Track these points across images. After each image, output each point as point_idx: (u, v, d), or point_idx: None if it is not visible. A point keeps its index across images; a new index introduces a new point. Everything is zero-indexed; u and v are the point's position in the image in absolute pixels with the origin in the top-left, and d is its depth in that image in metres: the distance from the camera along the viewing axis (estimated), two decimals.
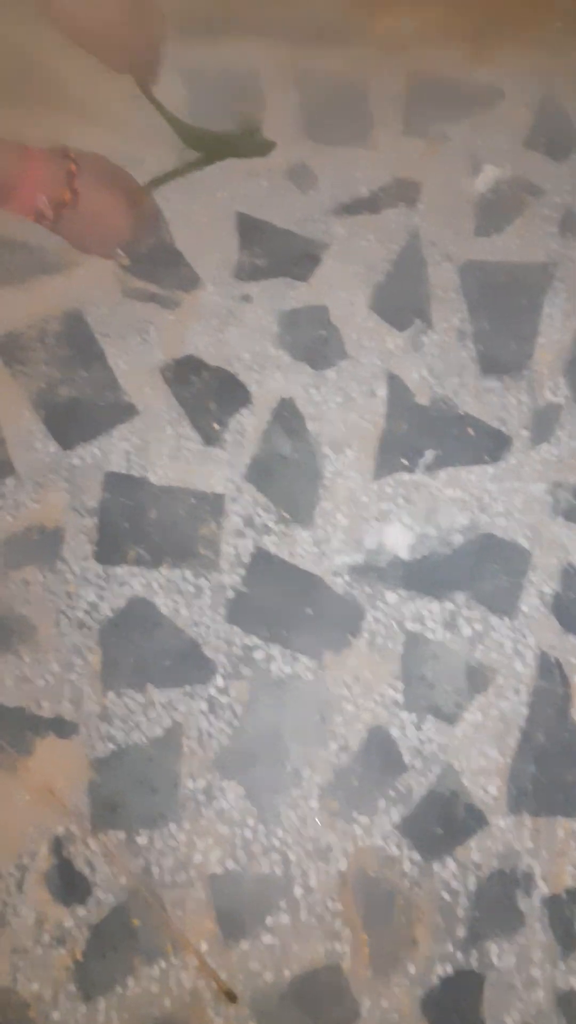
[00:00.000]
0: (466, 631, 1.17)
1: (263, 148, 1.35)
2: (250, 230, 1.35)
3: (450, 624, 1.17)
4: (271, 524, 1.20)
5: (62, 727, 1.13)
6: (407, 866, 1.09)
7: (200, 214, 1.36)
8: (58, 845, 1.09)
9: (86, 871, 1.08)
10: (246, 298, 1.31)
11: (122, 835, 1.09)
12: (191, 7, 1.37)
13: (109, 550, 1.19)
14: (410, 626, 1.17)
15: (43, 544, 1.20)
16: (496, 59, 1.47)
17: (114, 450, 1.24)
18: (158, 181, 1.32)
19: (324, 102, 1.43)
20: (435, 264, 1.33)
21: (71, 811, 1.10)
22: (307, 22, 1.47)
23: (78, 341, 1.30)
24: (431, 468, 1.23)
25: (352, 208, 1.36)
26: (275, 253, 1.34)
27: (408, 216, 1.36)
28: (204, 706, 1.14)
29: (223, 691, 1.14)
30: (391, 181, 1.38)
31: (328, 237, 1.34)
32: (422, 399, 1.26)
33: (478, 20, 1.49)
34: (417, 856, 1.10)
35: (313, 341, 1.29)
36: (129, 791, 1.11)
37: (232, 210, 1.36)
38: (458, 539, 1.20)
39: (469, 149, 1.40)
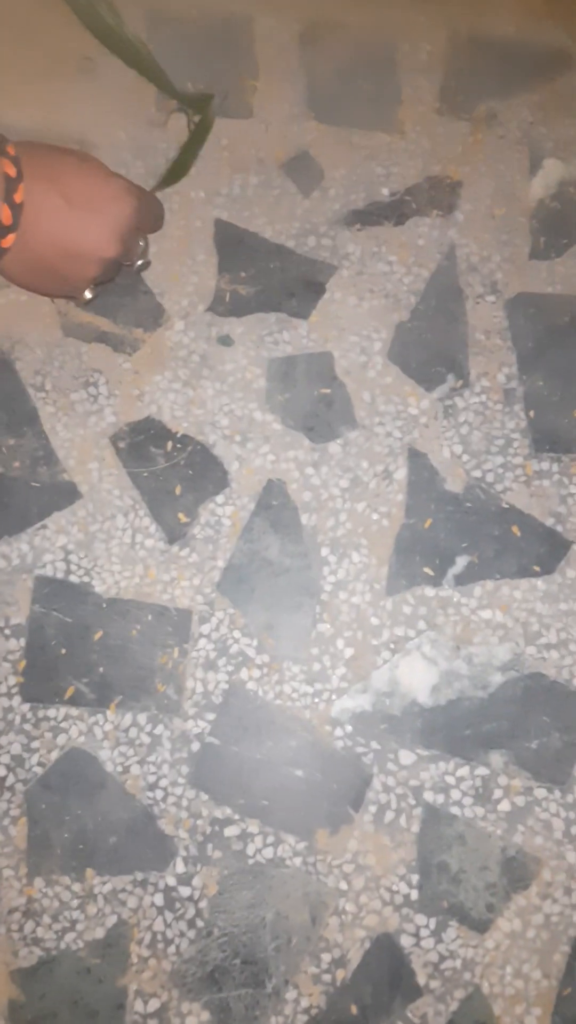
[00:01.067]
0: (504, 806, 0.91)
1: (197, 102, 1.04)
2: (233, 245, 1.05)
3: (483, 796, 0.92)
4: (251, 653, 0.94)
5: None
6: None
7: (169, 222, 1.05)
8: None
9: None
10: (225, 340, 1.02)
11: None
12: None
13: (40, 684, 0.94)
14: (430, 797, 0.92)
15: None
16: (568, 11, 1.14)
17: (48, 547, 0.97)
18: (174, 173, 1.00)
19: (336, 69, 1.10)
20: (476, 298, 1.03)
21: None
22: None
23: (4, 395, 1.01)
24: (463, 581, 0.96)
25: (369, 216, 1.06)
26: (265, 278, 1.04)
27: (442, 230, 1.05)
28: (159, 900, 0.89)
29: (184, 880, 0.90)
30: (422, 180, 1.07)
31: (336, 257, 1.04)
32: (454, 485, 0.98)
33: None
34: None
35: (312, 402, 1.01)
36: (60, 1014, 0.87)
37: (210, 216, 1.06)
38: (496, 679, 0.94)
39: (526, 137, 1.08)
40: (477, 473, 1.00)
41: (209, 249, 1.06)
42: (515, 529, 0.98)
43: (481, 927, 0.90)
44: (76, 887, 0.90)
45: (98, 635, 0.95)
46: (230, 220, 1.07)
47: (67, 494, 0.99)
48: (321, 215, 1.07)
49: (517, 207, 1.07)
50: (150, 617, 0.96)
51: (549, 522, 0.98)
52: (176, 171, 1.03)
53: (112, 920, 0.90)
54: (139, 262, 0.69)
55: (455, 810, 0.92)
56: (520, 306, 1.04)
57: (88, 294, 0.67)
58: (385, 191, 1.07)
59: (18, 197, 0.54)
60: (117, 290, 1.04)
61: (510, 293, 1.05)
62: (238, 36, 1.12)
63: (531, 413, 1.01)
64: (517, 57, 1.13)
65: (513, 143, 1.09)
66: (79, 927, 0.89)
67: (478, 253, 1.06)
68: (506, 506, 0.99)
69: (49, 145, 0.59)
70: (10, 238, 0.55)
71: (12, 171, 0.54)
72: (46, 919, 0.90)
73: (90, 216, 0.59)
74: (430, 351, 1.03)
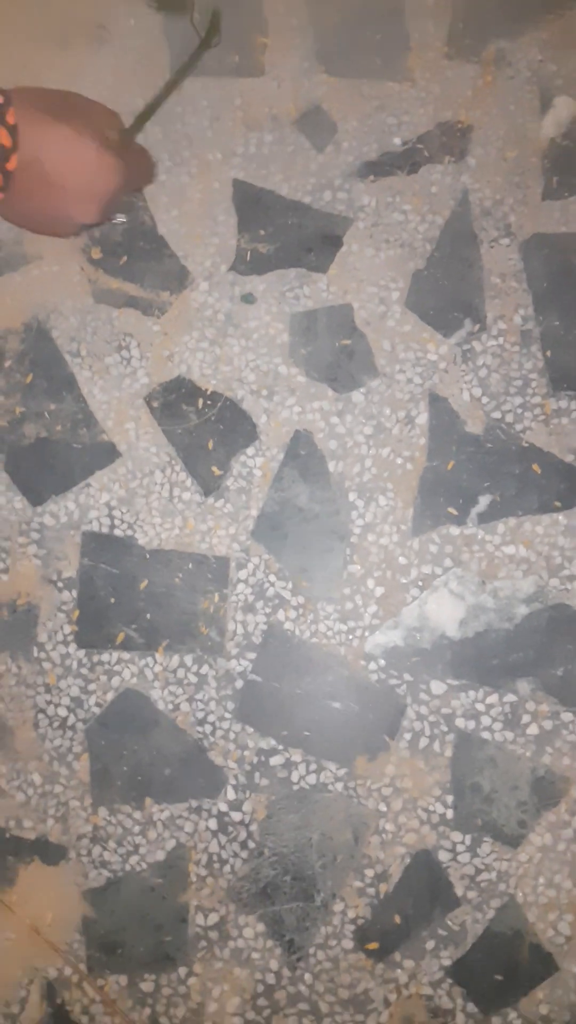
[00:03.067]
0: (532, 729, 1.01)
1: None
2: (250, 204, 1.13)
3: (512, 721, 1.01)
4: (287, 595, 1.04)
5: (48, 851, 1.02)
6: (461, 1019, 0.98)
7: (187, 185, 1.14)
8: (51, 991, 1.00)
9: (83, 1021, 0.99)
10: (248, 298, 1.11)
11: (123, 980, 1.00)
12: None
13: (93, 631, 1.05)
14: (461, 724, 1.01)
15: (15, 626, 1.06)
16: None
17: (93, 504, 1.07)
18: (145, 114, 1.03)
19: (344, 21, 1.16)
20: (490, 242, 1.10)
21: (63, 952, 1.00)
22: None
23: (43, 362, 1.11)
24: (487, 519, 1.05)
25: (382, 167, 1.13)
26: (283, 235, 1.12)
27: (455, 175, 1.12)
28: (213, 824, 1.01)
29: (235, 806, 1.01)
30: (433, 127, 1.13)
31: (352, 210, 1.12)
32: (474, 427, 1.06)
33: None
34: (473, 1007, 0.98)
35: (334, 354, 1.09)
36: (129, 928, 1.00)
37: (227, 177, 1.14)
38: (521, 611, 1.03)
39: (536, 77, 1.14)
40: (497, 414, 1.07)
41: (228, 209, 1.14)
42: (535, 467, 1.06)
43: (514, 842, 1.00)
44: (137, 815, 1.02)
45: (143, 584, 1.06)
46: (247, 179, 1.14)
47: (107, 453, 1.09)
48: (335, 169, 1.14)
49: (529, 148, 1.13)
50: (191, 565, 1.06)
51: (569, 459, 1.06)
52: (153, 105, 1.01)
53: (171, 844, 1.02)
54: (116, 217, 0.73)
55: (486, 735, 1.02)
56: (534, 247, 1.11)
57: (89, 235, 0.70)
58: (397, 140, 1.14)
59: (10, 119, 0.60)
60: (142, 255, 1.13)
61: (524, 235, 1.11)
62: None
63: (548, 353, 1.08)
64: None
65: (523, 83, 1.15)
66: (141, 850, 1.02)
67: (491, 197, 1.12)
68: (526, 445, 1.06)
69: (44, 97, 0.64)
70: (14, 159, 0.60)
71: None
72: (111, 844, 1.02)
73: (75, 186, 0.64)
74: (447, 297, 1.10)
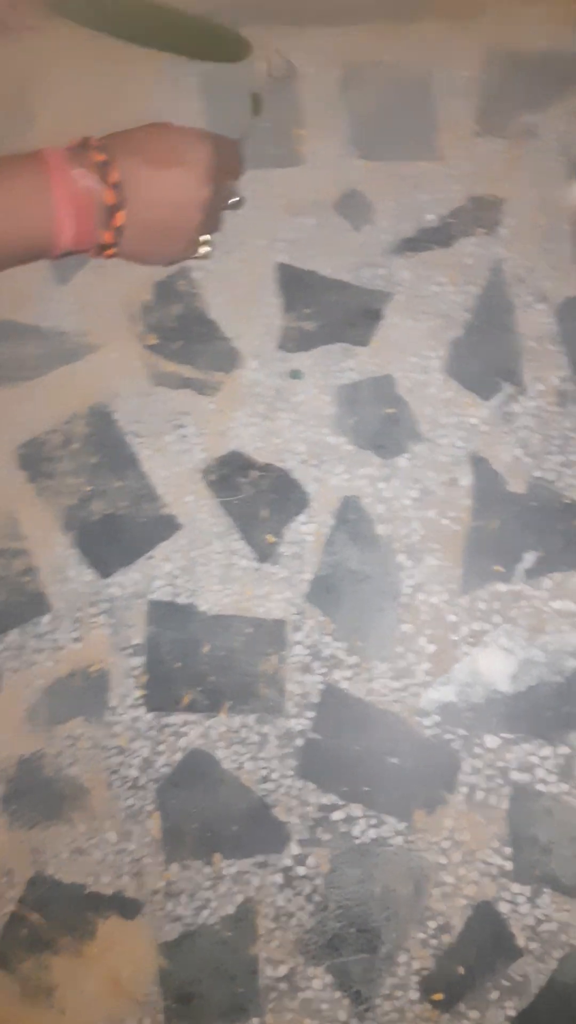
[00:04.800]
0: None
1: (238, 49, 1.14)
2: (295, 285, 1.25)
3: (567, 772, 1.08)
4: (342, 655, 1.14)
5: (124, 906, 1.12)
6: None
7: (235, 271, 1.27)
8: None
9: None
10: (296, 374, 1.22)
11: None
12: None
13: (160, 695, 1.16)
14: (517, 776, 1.08)
15: (88, 691, 1.18)
16: None
17: (157, 574, 1.19)
18: (252, 123, 1.07)
19: (375, 103, 1.29)
20: (526, 307, 1.19)
21: (142, 1003, 1.10)
22: None
23: (107, 443, 1.25)
24: (533, 575, 1.13)
25: (418, 243, 1.24)
26: (327, 312, 1.24)
27: (489, 246, 1.22)
28: (279, 879, 1.10)
29: (300, 860, 1.10)
30: (465, 201, 1.24)
31: (391, 284, 1.23)
32: (517, 486, 1.15)
33: None
34: None
35: (379, 422, 1.19)
36: (203, 980, 1.09)
37: (272, 261, 1.26)
38: (571, 664, 1.10)
39: (564, 147, 1.24)
40: (538, 473, 1.16)
41: (274, 292, 1.26)
42: None
43: (574, 892, 1.06)
44: (206, 870, 1.12)
45: (206, 648, 1.17)
46: (291, 262, 1.27)
47: (168, 526, 1.21)
48: (374, 247, 1.25)
49: (559, 215, 1.23)
50: (250, 629, 1.17)
51: None
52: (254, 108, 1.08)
53: (240, 898, 1.11)
54: (231, 201, 0.76)
55: (541, 787, 1.09)
56: (569, 310, 1.20)
57: (203, 248, 0.73)
58: (431, 217, 1.25)
59: (114, 176, 0.64)
60: (195, 339, 1.26)
61: (558, 299, 1.20)
62: (283, 89, 1.32)
63: None
64: (550, 69, 1.28)
65: (551, 153, 1.25)
66: (212, 904, 1.11)
67: (524, 264, 1.22)
68: (568, 502, 1.15)
69: (142, 141, 0.73)
70: (120, 215, 0.69)
71: (102, 156, 0.69)
72: (183, 898, 1.12)
73: (177, 168, 0.67)
74: (486, 363, 1.20)
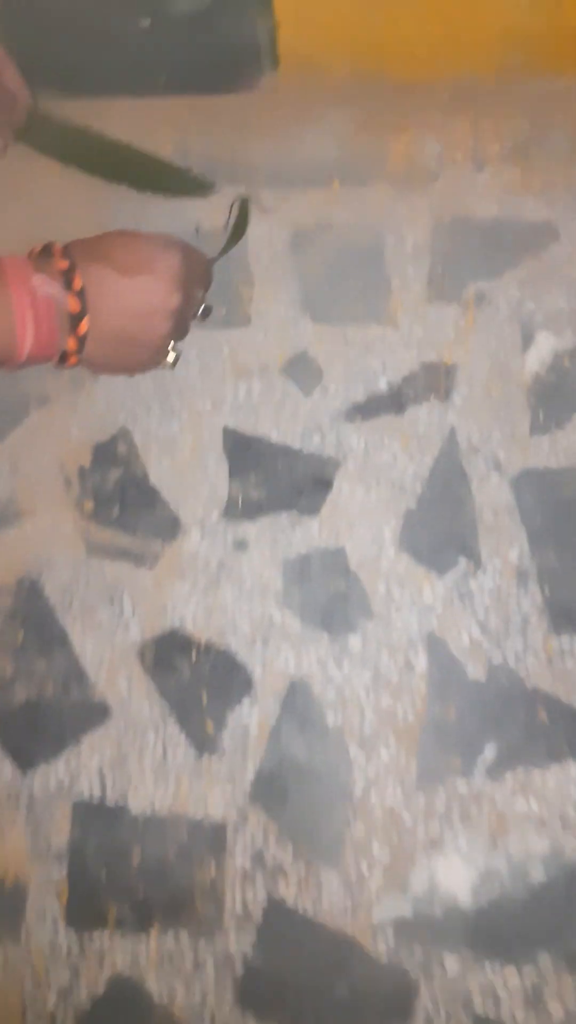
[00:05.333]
0: (557, 1011, 0.96)
1: (199, 187, 1.12)
2: (241, 451, 1.20)
3: (533, 1002, 0.97)
4: (287, 863, 1.03)
5: None
6: None
7: (179, 435, 1.21)
8: None
9: None
10: (240, 545, 1.16)
11: None
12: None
13: (83, 910, 1.04)
14: (480, 1006, 0.97)
15: (1, 906, 1.06)
16: (547, 184, 1.28)
17: (84, 769, 1.09)
18: (229, 243, 1.04)
19: (326, 266, 1.27)
20: (481, 478, 1.15)
21: None
22: (297, 159, 1.32)
23: (35, 619, 1.16)
24: (494, 770, 1.04)
25: (370, 409, 1.20)
26: (274, 480, 1.18)
27: (442, 414, 1.18)
28: None
29: None
30: (417, 368, 1.21)
31: (341, 452, 1.18)
32: (476, 671, 1.08)
33: (521, 132, 1.31)
34: None
35: (329, 598, 1.12)
36: None
37: (217, 426, 1.21)
38: (537, 873, 1.01)
39: (517, 314, 1.22)
40: (498, 657, 1.09)
41: (219, 457, 1.21)
42: (541, 713, 1.06)
43: None
44: None
45: (136, 856, 1.06)
46: (237, 428, 1.22)
47: (99, 712, 1.12)
48: (323, 412, 1.21)
49: (513, 383, 1.20)
50: (185, 833, 1.07)
51: (575, 702, 1.06)
52: (230, 242, 1.05)
53: None
54: (199, 310, 0.75)
55: (507, 1019, 0.98)
56: (525, 482, 1.15)
57: (171, 356, 0.72)
58: (383, 383, 1.21)
59: (77, 284, 0.66)
60: (135, 505, 1.20)
61: (514, 470, 1.16)
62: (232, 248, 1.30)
63: (546, 590, 1.10)
64: (501, 235, 1.27)
65: (504, 321, 1.23)
66: None
67: (478, 433, 1.18)
68: (530, 689, 1.07)
69: (106, 248, 0.70)
70: (84, 323, 0.66)
71: (65, 264, 0.65)
72: None
73: (145, 276, 0.66)
74: (440, 536, 1.14)
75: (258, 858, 1.04)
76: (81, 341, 0.64)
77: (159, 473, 1.20)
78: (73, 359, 0.65)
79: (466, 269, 1.25)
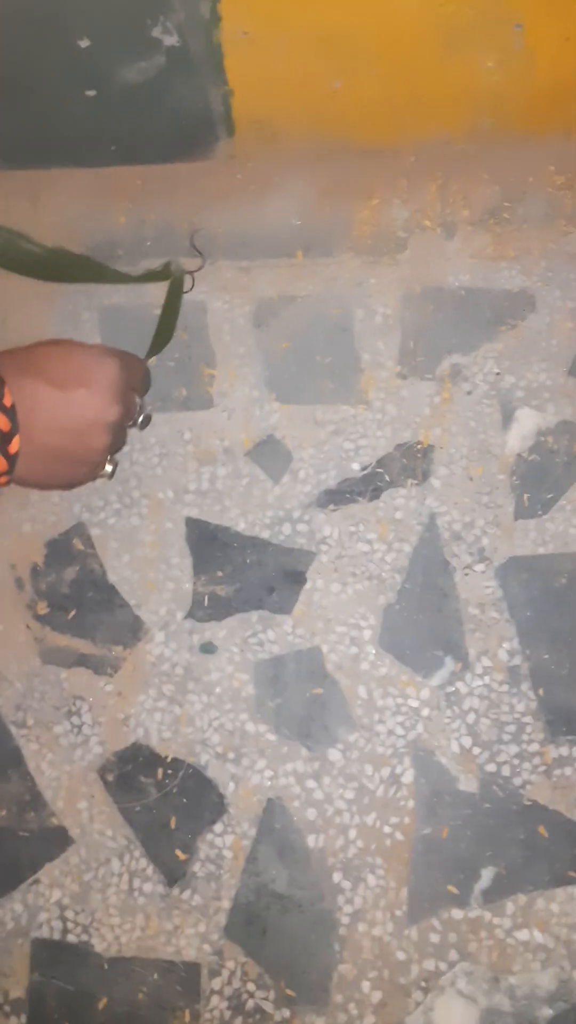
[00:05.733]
0: None
1: (157, 278, 1.04)
2: (206, 544, 1.11)
3: None
4: (268, 1007, 0.93)
5: None
6: None
7: (138, 528, 1.13)
8: None
9: None
10: (207, 647, 1.07)
11: None
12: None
13: None
14: None
15: None
16: (521, 251, 1.22)
17: (43, 904, 0.99)
18: (160, 339, 0.97)
19: (291, 343, 1.20)
20: (464, 568, 1.07)
21: None
22: (258, 229, 1.25)
23: None
24: (492, 897, 0.95)
25: (342, 495, 1.12)
26: (243, 575, 1.10)
27: (420, 499, 1.10)
28: None
29: None
30: (392, 449, 1.13)
31: (313, 543, 1.10)
32: (468, 784, 0.99)
33: (492, 196, 1.25)
34: None
35: (305, 705, 1.03)
36: None
37: (179, 516, 1.13)
38: (544, 1014, 0.91)
39: (495, 389, 1.15)
40: (491, 767, 1.01)
41: (183, 551, 1.12)
42: (541, 829, 0.98)
43: None
44: None
45: (102, 1003, 0.96)
46: (201, 517, 1.13)
47: (58, 840, 1.02)
48: (294, 499, 1.13)
49: (495, 465, 1.13)
50: (156, 975, 0.97)
51: None
52: (161, 336, 0.99)
53: None
54: (139, 419, 0.71)
55: None
56: (512, 572, 1.08)
57: (108, 467, 0.69)
58: (356, 466, 1.14)
59: (7, 401, 0.59)
60: (92, 607, 1.11)
61: (500, 559, 1.08)
62: (192, 323, 1.22)
63: (540, 691, 1.02)
64: (475, 305, 1.21)
65: (481, 397, 1.16)
66: None
67: (460, 519, 1.10)
68: (528, 803, 0.99)
69: (20, 347, 0.64)
70: (15, 442, 0.59)
71: None
72: None
73: (80, 389, 0.63)
74: (423, 634, 1.06)
75: (236, 1002, 0.94)
76: (12, 460, 0.59)
77: (118, 570, 1.12)
78: (2, 479, 0.60)
79: (440, 342, 1.18)
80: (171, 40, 1.08)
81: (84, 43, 1.08)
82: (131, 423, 0.69)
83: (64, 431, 0.63)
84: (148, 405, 0.69)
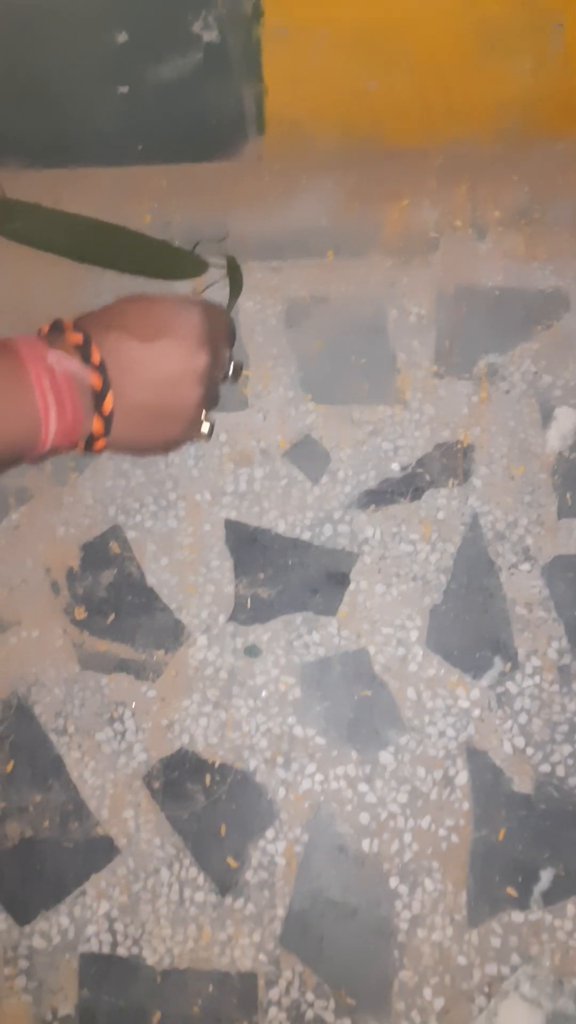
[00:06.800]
0: None
1: (193, 268, 1.02)
2: (247, 546, 1.09)
3: None
4: (329, 1017, 0.91)
5: None
6: None
7: (176, 531, 1.11)
8: None
9: None
10: (252, 651, 1.05)
11: None
12: None
13: None
14: None
15: None
16: (553, 251, 1.22)
17: (90, 917, 0.96)
18: (232, 302, 0.95)
19: (325, 343, 1.18)
20: (509, 568, 1.06)
21: None
22: (287, 229, 1.24)
23: (25, 745, 1.03)
24: (552, 898, 0.94)
25: (383, 495, 1.10)
26: (285, 577, 1.08)
27: (462, 498, 1.10)
28: None
29: None
30: (432, 449, 1.13)
31: (356, 544, 1.08)
32: (522, 785, 0.98)
33: (522, 197, 1.25)
34: None
35: (353, 707, 1.02)
36: None
37: (218, 518, 1.11)
38: None
39: (533, 388, 1.14)
40: (546, 767, 1.00)
41: (222, 553, 1.10)
42: None
43: None
44: None
45: (156, 1018, 0.93)
46: (240, 519, 1.12)
47: (104, 851, 0.99)
48: (334, 500, 1.12)
49: (536, 464, 1.12)
50: (211, 987, 0.94)
51: None
52: (234, 287, 0.97)
53: None
54: (231, 368, 0.69)
55: None
56: (558, 570, 1.07)
57: (205, 427, 0.65)
58: (395, 466, 1.13)
59: (95, 358, 0.57)
60: (131, 611, 1.08)
61: (545, 558, 1.08)
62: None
63: None
64: (509, 305, 1.21)
65: (520, 396, 1.15)
66: None
67: (503, 519, 1.09)
68: None
69: (119, 316, 0.62)
70: (109, 399, 0.57)
71: (79, 338, 0.57)
72: None
73: (165, 339, 0.61)
74: (471, 634, 1.05)
75: (295, 1013, 0.92)
76: (107, 421, 0.57)
77: (156, 573, 1.09)
78: (101, 442, 0.58)
79: (475, 342, 1.18)
80: (211, 36, 1.07)
81: (122, 38, 1.07)
82: (222, 375, 0.67)
83: (155, 384, 0.61)
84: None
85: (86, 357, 0.56)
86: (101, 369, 0.56)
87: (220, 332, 0.65)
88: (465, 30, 1.09)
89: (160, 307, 0.62)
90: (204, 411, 0.64)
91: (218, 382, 0.65)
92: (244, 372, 1.18)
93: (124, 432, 0.59)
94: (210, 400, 0.65)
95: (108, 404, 0.56)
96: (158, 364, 0.60)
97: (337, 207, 1.26)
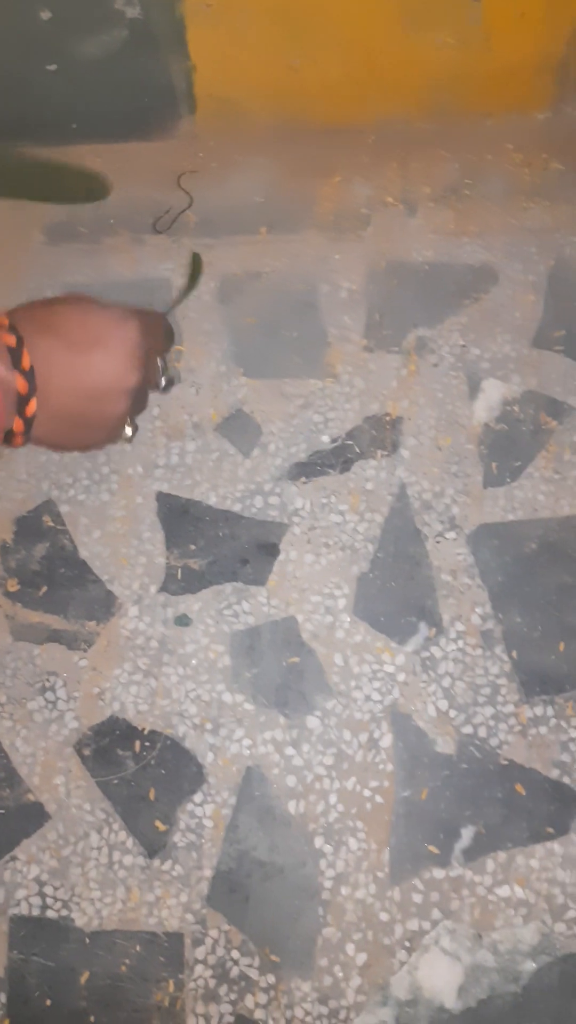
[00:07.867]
0: None
1: (100, 188, 1.01)
2: (178, 518, 1.11)
3: None
4: (253, 974, 0.93)
5: None
6: None
7: (109, 504, 1.12)
8: None
9: None
10: (182, 620, 1.07)
11: None
12: None
13: None
14: None
15: None
16: (482, 226, 1.24)
17: (21, 881, 0.97)
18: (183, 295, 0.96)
19: (257, 319, 1.20)
20: (435, 536, 1.08)
21: None
22: (221, 206, 1.26)
23: None
24: (472, 855, 0.97)
25: (313, 467, 1.12)
26: (215, 548, 1.10)
27: (390, 469, 1.12)
28: None
29: None
30: (361, 421, 1.14)
31: (286, 515, 1.10)
32: (445, 746, 1.00)
33: (452, 173, 1.27)
34: None
35: (282, 674, 1.04)
36: None
37: (150, 491, 1.12)
38: (528, 968, 0.93)
39: (460, 360, 1.17)
40: (468, 729, 1.02)
41: (154, 525, 1.12)
42: (519, 787, 0.99)
43: None
44: None
45: (84, 977, 0.95)
46: (171, 491, 1.13)
47: (35, 816, 1.01)
48: (264, 472, 1.13)
49: (463, 435, 1.14)
50: (139, 947, 0.96)
51: (554, 774, 0.99)
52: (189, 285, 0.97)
53: None
54: (163, 381, 0.68)
55: None
56: (483, 539, 1.09)
57: (128, 431, 0.65)
58: (325, 438, 1.15)
59: (26, 363, 0.57)
60: (63, 583, 1.10)
61: (470, 527, 1.10)
62: (156, 301, 1.22)
63: (514, 653, 1.04)
64: (439, 280, 1.23)
65: (448, 369, 1.17)
66: None
67: (430, 489, 1.12)
68: (505, 762, 1.00)
69: (39, 301, 0.61)
70: (32, 404, 0.57)
71: (12, 340, 0.56)
72: None
73: (98, 352, 0.60)
74: (397, 601, 1.07)
75: (221, 971, 0.94)
76: (28, 423, 0.57)
77: (89, 545, 1.11)
78: (19, 439, 0.58)
79: (405, 316, 1.20)
80: (133, 12, 1.08)
81: (46, 15, 1.08)
82: (153, 386, 0.69)
83: (81, 396, 0.60)
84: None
85: (16, 361, 0.55)
86: (29, 375, 0.56)
87: (156, 344, 0.66)
88: (387, 5, 1.11)
89: (98, 317, 0.60)
90: (129, 418, 0.65)
91: (147, 394, 0.66)
92: (177, 347, 1.19)
93: (44, 434, 0.59)
94: (136, 410, 0.65)
95: (31, 408, 0.56)
96: (88, 376, 0.59)
97: (271, 184, 1.28)
